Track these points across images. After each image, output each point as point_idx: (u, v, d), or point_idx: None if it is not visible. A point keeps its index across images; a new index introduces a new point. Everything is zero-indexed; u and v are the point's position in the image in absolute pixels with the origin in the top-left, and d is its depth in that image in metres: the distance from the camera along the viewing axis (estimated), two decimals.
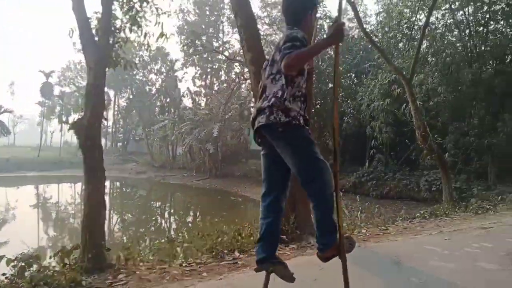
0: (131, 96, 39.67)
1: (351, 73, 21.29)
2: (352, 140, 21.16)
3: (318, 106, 21.12)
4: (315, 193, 2.29)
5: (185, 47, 25.75)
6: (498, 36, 15.69)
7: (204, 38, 26.34)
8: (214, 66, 32.34)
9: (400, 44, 18.52)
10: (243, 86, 27.15)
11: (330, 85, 21.25)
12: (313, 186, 2.29)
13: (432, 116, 17.87)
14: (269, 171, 2.44)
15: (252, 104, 22.31)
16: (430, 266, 3.99)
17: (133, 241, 5.59)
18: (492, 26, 15.79)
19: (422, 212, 7.67)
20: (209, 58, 31.18)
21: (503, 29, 15.81)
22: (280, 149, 2.27)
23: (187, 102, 33.94)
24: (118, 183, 29.20)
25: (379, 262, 4.11)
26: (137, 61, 36.15)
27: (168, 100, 34.72)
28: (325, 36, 2.23)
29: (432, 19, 14.55)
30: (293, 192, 5.53)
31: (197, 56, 28.68)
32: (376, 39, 18.88)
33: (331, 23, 2.21)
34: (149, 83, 38.85)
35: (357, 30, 20.45)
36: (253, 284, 3.57)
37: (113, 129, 44.27)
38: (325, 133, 19.59)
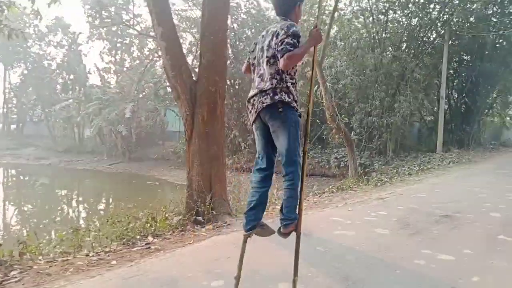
0: (25, 71, 34.93)
1: None
2: None
3: (237, 87, 21.14)
4: (292, 172, 2.50)
5: (90, 18, 23.33)
6: (395, 24, 17.33)
7: (112, 9, 24.11)
8: (124, 41, 29.79)
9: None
10: (157, 63, 25.75)
11: None
12: (292, 167, 2.49)
13: (340, 97, 19.21)
14: (266, 148, 2.64)
15: (167, 83, 21.40)
16: (335, 235, 4.30)
17: (31, 233, 4.96)
18: (391, 15, 17.37)
19: (330, 187, 8.24)
20: (119, 32, 28.72)
21: (400, 19, 17.51)
22: (274, 128, 2.46)
23: (95, 79, 31.05)
24: (13, 171, 25.83)
25: (291, 236, 4.28)
26: (31, 32, 31.89)
27: (71, 77, 31.26)
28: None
29: (341, 5, 15.45)
30: (209, 173, 5.50)
31: (105, 29, 26.24)
32: None
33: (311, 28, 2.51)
34: (48, 57, 34.47)
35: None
36: (165, 267, 3.44)
37: (4, 109, 38.64)
38: (243, 113, 19.74)
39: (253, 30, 21.19)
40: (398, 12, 17.03)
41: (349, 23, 14.20)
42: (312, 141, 19.50)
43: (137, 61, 28.98)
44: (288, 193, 2.56)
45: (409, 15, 16.51)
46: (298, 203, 2.57)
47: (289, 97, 2.43)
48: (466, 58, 19.41)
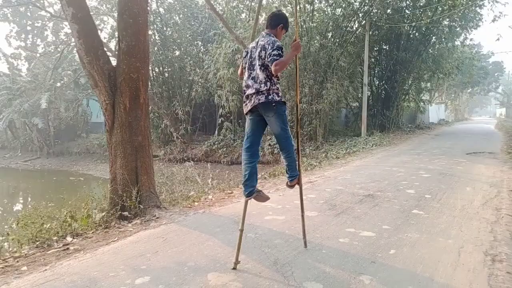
0: None
1: (197, 41, 21.08)
2: (202, 109, 21.36)
3: (166, 74, 20.32)
4: (287, 146, 3.31)
5: None
6: (321, 14, 17.95)
7: None
8: (36, 24, 26.73)
9: (243, 15, 19.24)
10: (76, 49, 23.58)
11: (177, 52, 20.65)
12: (286, 141, 3.28)
13: None
14: (254, 130, 3.35)
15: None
16: (266, 220, 4.33)
17: None
18: (317, 5, 17.94)
19: (263, 173, 8.33)
20: (28, 14, 25.67)
21: (325, 8, 18.17)
22: (270, 118, 3.21)
23: (1, 66, 27.50)
24: None
25: (222, 224, 4.22)
26: None
27: None
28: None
29: None
30: (134, 164, 5.17)
31: (10, 9, 23.31)
32: (220, 8, 19.12)
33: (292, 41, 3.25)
34: None
35: None
36: (85, 268, 3.16)
37: None
38: (174, 102, 19.10)
39: (181, 16, 20.46)
40: (323, 2, 17.63)
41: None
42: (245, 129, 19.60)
43: (52, 47, 26.27)
44: (288, 160, 3.38)
45: (333, 5, 17.18)
46: (296, 164, 3.41)
47: (278, 96, 3.20)
48: (385, 47, 20.85)
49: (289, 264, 3.07)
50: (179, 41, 19.87)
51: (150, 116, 20.44)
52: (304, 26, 16.71)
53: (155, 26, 18.63)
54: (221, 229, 4.03)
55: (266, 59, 3.09)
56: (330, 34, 17.93)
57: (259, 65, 3.18)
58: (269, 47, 3.09)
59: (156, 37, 19.05)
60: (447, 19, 18.20)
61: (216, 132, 18.08)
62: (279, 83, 3.32)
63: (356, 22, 18.04)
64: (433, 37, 19.99)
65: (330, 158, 11.24)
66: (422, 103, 24.76)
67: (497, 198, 5.49)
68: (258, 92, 3.17)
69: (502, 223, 4.25)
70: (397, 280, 2.82)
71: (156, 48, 18.61)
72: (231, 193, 6.28)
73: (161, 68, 19.98)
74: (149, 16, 18.22)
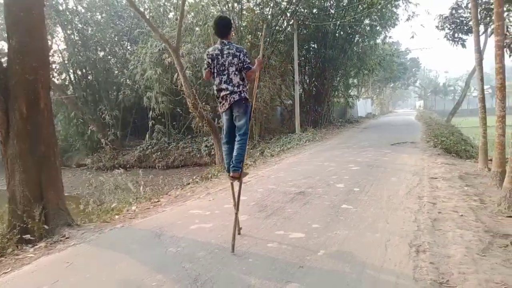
0: None
1: (124, 41, 19.87)
2: (133, 112, 20.21)
3: (90, 77, 18.86)
4: (243, 140, 3.69)
5: None
6: (250, 13, 17.90)
7: None
8: None
9: (171, 14, 18.53)
10: None
11: (101, 53, 19.27)
12: (245, 136, 3.70)
13: (206, 85, 19.06)
14: (230, 127, 3.79)
15: None
16: (190, 230, 3.97)
17: None
18: (245, 5, 17.88)
19: (194, 177, 7.94)
20: None
21: (254, 8, 18.15)
22: (238, 112, 3.66)
23: None
24: None
25: (141, 239, 3.78)
26: None
27: None
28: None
29: None
30: (38, 178, 4.48)
31: None
32: (146, 6, 18.20)
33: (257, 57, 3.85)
34: None
35: None
36: None
37: None
38: (100, 106, 17.78)
39: (104, 15, 19.12)
40: (252, 1, 17.62)
41: (203, 9, 13.92)
42: (181, 131, 18.94)
43: None
44: (239, 151, 3.69)
45: (262, 4, 17.23)
46: (243, 159, 3.73)
47: (247, 94, 3.72)
48: (313, 45, 21.50)
49: (211, 280, 2.77)
50: (103, 41, 18.57)
51: (74, 122, 19.07)
52: (234, 26, 16.55)
53: (73, 25, 17.17)
54: (138, 245, 3.60)
55: (240, 65, 3.63)
56: (260, 33, 17.98)
57: (232, 70, 3.65)
58: (241, 54, 3.64)
59: (76, 37, 17.57)
60: (368, 18, 19.25)
61: (147, 136, 17.15)
62: (248, 85, 3.84)
63: (285, 21, 18.31)
64: (357, 36, 21.05)
65: (265, 156, 11.16)
66: (350, 99, 26.02)
67: (419, 186, 5.73)
68: (232, 92, 3.66)
69: (424, 211, 4.38)
70: (325, 284, 2.67)
71: (76, 49, 17.15)
72: (158, 201, 5.81)
73: (84, 71, 18.51)
74: (66, 14, 16.75)
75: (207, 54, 3.77)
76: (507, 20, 8.57)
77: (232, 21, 3.93)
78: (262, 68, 4.08)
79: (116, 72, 19.26)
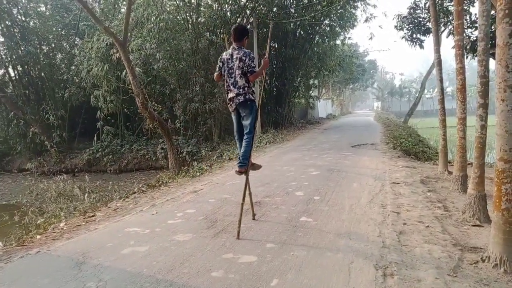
0: None
1: (72, 35, 18.36)
2: (82, 112, 18.75)
3: (33, 75, 17.23)
4: (248, 138, 4.06)
5: None
6: (208, 9, 17.20)
7: None
8: None
9: (124, 8, 17.37)
10: None
11: (45, 48, 17.68)
12: (251, 134, 4.06)
13: (162, 83, 18.10)
14: (238, 126, 4.19)
15: None
16: (121, 256, 3.30)
17: None
18: (204, 0, 17.13)
19: (140, 185, 7.17)
20: None
21: (212, 4, 17.45)
22: (245, 113, 4.04)
23: None
24: None
25: (56, 271, 3.06)
26: None
27: None
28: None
29: None
30: None
31: None
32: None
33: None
34: None
35: None
36: None
37: None
38: (43, 106, 16.29)
39: (49, 6, 17.58)
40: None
41: (155, 2, 13.00)
42: (136, 133, 17.85)
43: None
44: (245, 148, 4.02)
45: (220, 1, 16.59)
46: (249, 156, 4.05)
47: (253, 97, 4.02)
48: (273, 44, 21.19)
49: None
50: (47, 35, 17.03)
51: (14, 123, 17.37)
52: (190, 21, 15.79)
53: (12, 16, 15.56)
54: (50, 281, 2.88)
55: (245, 69, 3.87)
56: (219, 31, 17.33)
57: (238, 74, 3.91)
58: (247, 59, 3.87)
59: (15, 29, 15.96)
60: (328, 19, 19.22)
61: (95, 138, 15.92)
62: (253, 86, 4.15)
63: (244, 18, 17.80)
64: (317, 36, 21.00)
65: (223, 160, 10.56)
66: (311, 99, 26.03)
67: (381, 192, 5.41)
68: (238, 94, 3.96)
69: (388, 223, 4.00)
70: None
71: (15, 43, 15.56)
72: (93, 216, 5.04)
73: (25, 67, 16.88)
74: (3, 3, 15.13)
75: (220, 59, 4.12)
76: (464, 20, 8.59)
77: (246, 29, 4.16)
78: (267, 67, 4.21)
79: (63, 68, 17.77)
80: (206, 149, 15.83)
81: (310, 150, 10.66)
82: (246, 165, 4.05)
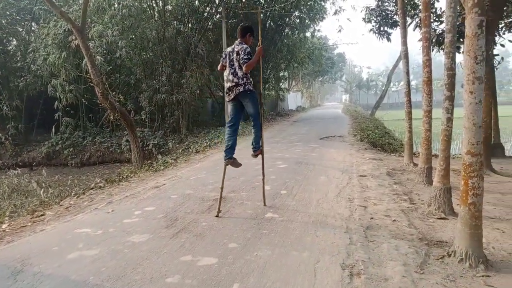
0: None
1: (28, 20, 17.10)
2: (40, 102, 17.62)
3: None
4: (257, 124, 4.43)
5: None
6: None
7: None
8: None
9: None
10: None
11: None
12: (257, 120, 4.41)
13: (127, 73, 17.31)
14: (235, 113, 4.43)
15: None
16: (66, 261, 2.98)
17: None
18: None
19: (98, 180, 6.73)
20: None
21: None
22: (246, 102, 4.33)
23: None
24: None
25: None
26: None
27: None
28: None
29: None
30: None
31: None
32: None
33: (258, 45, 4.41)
34: None
35: None
36: None
37: None
38: None
39: None
40: None
41: None
42: (99, 124, 17.01)
43: None
44: (256, 134, 4.50)
45: None
46: (260, 140, 4.50)
47: (251, 86, 4.35)
48: None
49: None
50: (0, 19, 15.78)
51: None
52: (156, 9, 15.14)
53: None
54: None
55: (240, 61, 4.17)
56: (187, 19, 16.76)
57: (237, 65, 4.25)
58: (242, 53, 4.16)
59: None
60: (297, 10, 19.06)
61: (54, 130, 15.02)
62: (251, 77, 4.43)
63: (213, 8, 17.32)
64: (287, 28, 20.82)
65: (189, 153, 10.21)
66: (281, 91, 25.94)
67: (348, 186, 5.33)
68: (237, 84, 4.24)
69: (355, 218, 3.90)
70: None
71: None
72: (42, 215, 4.61)
73: None
74: None
75: (224, 52, 4.54)
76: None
77: (250, 27, 4.48)
78: (261, 54, 4.39)
79: (18, 56, 16.57)
80: (174, 141, 15.35)
81: (278, 143, 10.52)
82: (258, 149, 4.52)
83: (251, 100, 4.31)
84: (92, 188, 6.22)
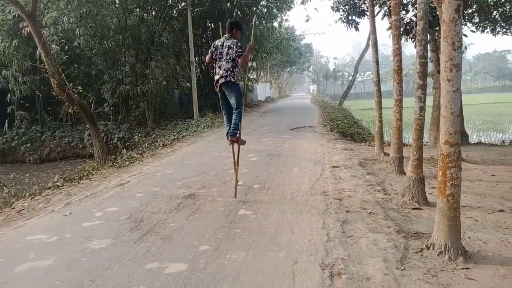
0: None
1: None
2: None
3: None
4: (238, 113, 4.64)
5: None
6: None
7: None
8: None
9: None
10: None
11: None
12: (238, 110, 4.63)
13: (87, 63, 16.37)
14: (224, 102, 4.79)
15: None
16: (14, 276, 2.62)
17: None
18: None
19: (56, 180, 6.23)
20: None
21: None
22: (227, 92, 4.63)
23: None
24: None
25: None
26: None
27: None
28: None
29: None
30: None
31: None
32: None
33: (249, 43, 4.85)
34: None
35: None
36: None
37: None
38: None
39: None
40: None
41: None
42: (58, 118, 16.03)
43: None
44: (235, 120, 4.67)
45: None
46: (238, 127, 4.69)
47: (234, 79, 4.59)
48: (210, 25, 20.27)
49: None
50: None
51: None
52: None
53: None
54: None
55: (233, 54, 4.45)
56: (150, 7, 16.03)
57: (226, 59, 4.53)
58: (234, 46, 4.45)
59: None
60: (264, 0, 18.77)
61: (7, 124, 14.00)
62: (239, 71, 4.79)
63: None
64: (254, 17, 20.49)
65: (158, 147, 9.77)
66: (250, 82, 25.66)
67: (322, 177, 5.21)
68: (221, 76, 4.55)
69: (331, 212, 3.77)
70: None
71: None
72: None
73: None
74: None
75: (213, 44, 4.73)
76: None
77: (237, 23, 4.76)
78: (252, 51, 4.96)
79: None
80: (140, 134, 14.76)
81: (249, 134, 10.28)
82: (236, 135, 4.66)
83: (232, 90, 4.56)
84: (49, 188, 5.73)
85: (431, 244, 3.00)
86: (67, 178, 6.18)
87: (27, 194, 5.46)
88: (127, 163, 7.52)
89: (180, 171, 5.96)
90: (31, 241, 3.24)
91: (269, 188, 4.70)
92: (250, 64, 4.93)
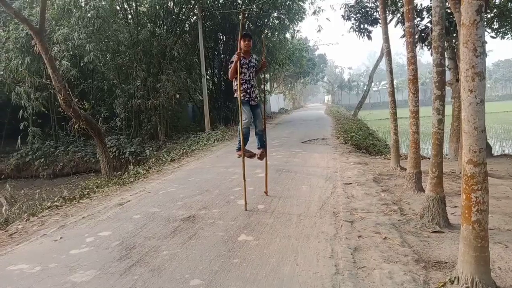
0: None
1: None
2: (8, 111, 16.63)
3: None
4: (262, 131, 5.11)
5: None
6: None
7: None
8: None
9: None
10: None
11: None
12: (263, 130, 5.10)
13: (100, 78, 16.51)
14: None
15: None
16: None
17: None
18: None
19: (56, 198, 6.04)
20: None
21: None
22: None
23: None
24: None
25: None
26: None
27: None
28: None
29: None
30: None
31: None
32: None
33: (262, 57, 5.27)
34: None
35: None
36: None
37: None
38: None
39: None
40: None
41: None
42: (72, 133, 16.10)
43: None
44: (259, 139, 5.23)
45: None
46: (264, 143, 5.21)
47: (233, 92, 5.12)
48: (221, 37, 20.28)
49: None
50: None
51: None
52: (129, 10, 14.42)
53: None
54: None
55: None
56: (162, 21, 16.11)
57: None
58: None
59: None
60: (276, 11, 18.64)
61: (19, 141, 14.11)
62: (235, 85, 4.93)
63: (189, 8, 16.72)
64: (266, 29, 20.39)
65: (165, 161, 9.56)
66: (263, 94, 25.47)
67: (333, 196, 4.85)
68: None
69: (341, 237, 3.40)
70: None
71: None
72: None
73: None
74: None
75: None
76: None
77: (243, 34, 5.02)
78: (265, 67, 5.42)
79: None
80: (151, 148, 14.67)
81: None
82: (262, 148, 5.19)
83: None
84: (48, 208, 5.53)
85: (455, 277, 2.61)
86: (66, 197, 5.98)
87: (25, 215, 5.26)
88: (131, 179, 7.31)
89: (183, 189, 5.69)
90: (11, 272, 2.99)
91: (275, 209, 4.37)
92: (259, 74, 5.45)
